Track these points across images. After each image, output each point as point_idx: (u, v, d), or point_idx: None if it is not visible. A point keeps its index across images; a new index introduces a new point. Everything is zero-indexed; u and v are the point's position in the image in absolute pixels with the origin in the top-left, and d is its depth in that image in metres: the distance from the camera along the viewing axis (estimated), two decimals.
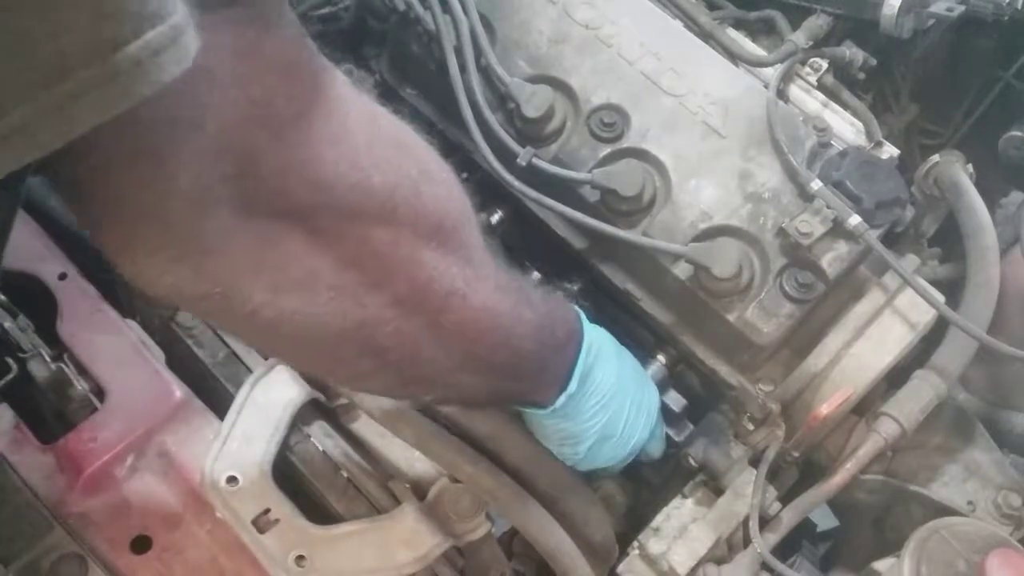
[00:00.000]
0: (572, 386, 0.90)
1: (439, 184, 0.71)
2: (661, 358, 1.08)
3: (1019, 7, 1.15)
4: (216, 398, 1.08)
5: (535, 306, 0.84)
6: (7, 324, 1.09)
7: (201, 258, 0.60)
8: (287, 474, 1.04)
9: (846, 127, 1.14)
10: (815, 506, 1.04)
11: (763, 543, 0.98)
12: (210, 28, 0.51)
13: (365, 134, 0.65)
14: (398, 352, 0.74)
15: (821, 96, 1.16)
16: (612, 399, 0.94)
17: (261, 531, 0.98)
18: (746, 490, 1.01)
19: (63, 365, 1.08)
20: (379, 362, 0.75)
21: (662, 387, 1.06)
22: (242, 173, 0.57)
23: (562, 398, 0.91)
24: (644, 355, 1.06)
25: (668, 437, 1.07)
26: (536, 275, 1.15)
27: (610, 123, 1.05)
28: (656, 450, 1.04)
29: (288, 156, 0.59)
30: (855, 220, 0.98)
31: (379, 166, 0.65)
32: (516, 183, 1.03)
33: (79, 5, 0.44)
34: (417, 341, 0.74)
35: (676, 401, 1.07)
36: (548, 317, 0.87)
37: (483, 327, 0.78)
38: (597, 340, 0.93)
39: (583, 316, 0.94)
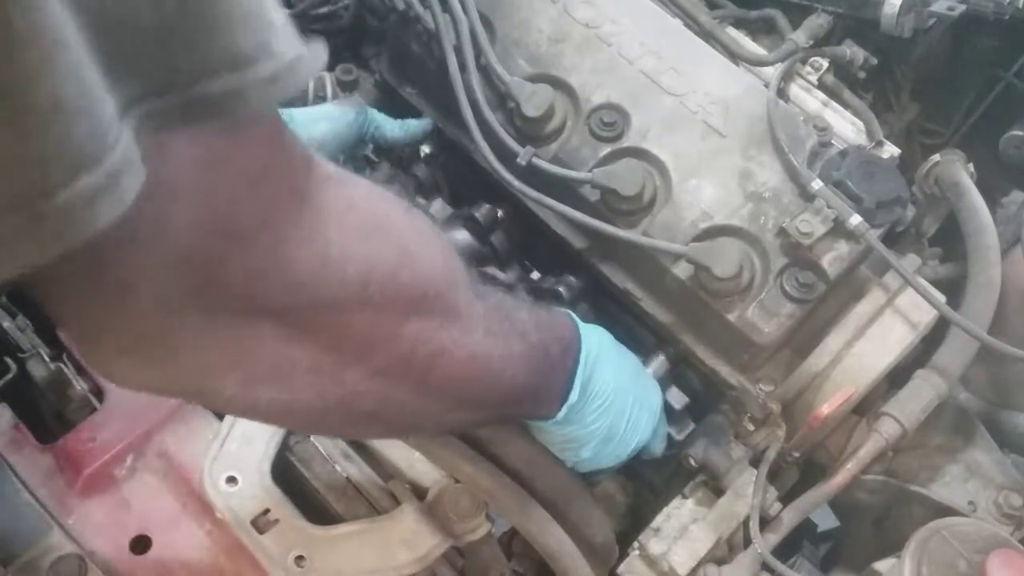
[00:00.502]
0: (573, 396, 0.90)
1: (421, 258, 0.69)
2: (662, 355, 1.07)
3: (1020, 6, 1.15)
4: None
5: (527, 335, 0.83)
6: (6, 324, 1.09)
7: (168, 360, 0.58)
8: (286, 474, 1.04)
9: (847, 126, 1.13)
10: (816, 506, 1.04)
11: (764, 543, 0.98)
12: (175, 141, 0.48)
13: (338, 227, 0.61)
14: (385, 413, 0.73)
15: (822, 95, 1.16)
16: (614, 401, 0.94)
17: (261, 531, 0.98)
18: (747, 490, 1.01)
19: (62, 365, 1.07)
20: (367, 422, 0.75)
21: (663, 384, 1.06)
22: (207, 282, 0.54)
23: (564, 409, 0.90)
24: (645, 353, 1.06)
25: (669, 436, 1.07)
26: (535, 274, 1.15)
27: (610, 122, 1.04)
28: (658, 448, 1.04)
29: (255, 263, 0.56)
30: (856, 220, 0.97)
31: (352, 257, 0.62)
32: (516, 182, 1.03)
33: (3, 153, 0.40)
34: (404, 400, 0.72)
35: (678, 398, 1.07)
36: (542, 341, 0.85)
37: (472, 375, 0.76)
38: (596, 344, 0.93)
39: (579, 322, 0.93)
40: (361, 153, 1.16)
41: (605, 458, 0.98)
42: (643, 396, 0.99)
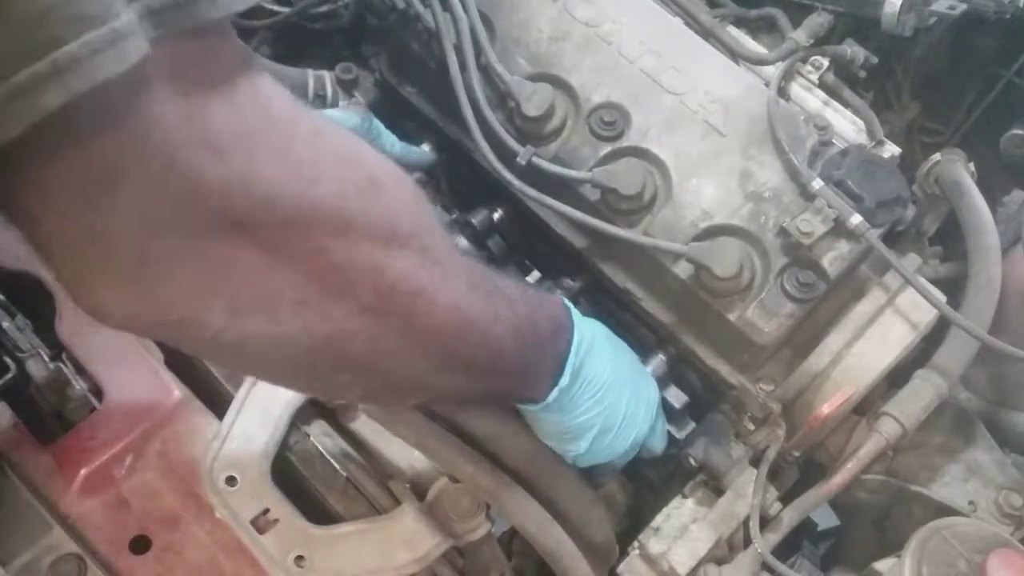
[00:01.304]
0: (564, 380, 0.90)
1: (391, 192, 0.70)
2: (661, 354, 1.07)
3: (1020, 5, 1.15)
4: (215, 398, 1.08)
5: (514, 302, 0.84)
6: (6, 324, 1.09)
7: (151, 284, 0.59)
8: (286, 474, 1.04)
9: (847, 125, 1.13)
10: (816, 506, 1.04)
11: (764, 543, 0.98)
12: (154, 45, 0.52)
13: (308, 149, 0.64)
14: (374, 361, 0.73)
15: (822, 94, 1.16)
16: (608, 392, 0.94)
17: (260, 531, 0.98)
18: (747, 490, 1.01)
19: (62, 365, 1.07)
20: (356, 372, 0.74)
21: (663, 383, 1.06)
22: (185, 193, 0.56)
23: (554, 392, 0.90)
24: (645, 353, 1.06)
25: (669, 434, 1.07)
26: (536, 274, 1.15)
27: (610, 121, 1.04)
28: (658, 445, 1.04)
29: (229, 174, 0.58)
30: (856, 219, 0.97)
31: (324, 179, 0.64)
32: (516, 182, 1.03)
33: (14, 14, 0.47)
34: (392, 348, 0.73)
35: (677, 397, 1.07)
36: (529, 312, 0.86)
37: (458, 327, 0.77)
38: (589, 334, 0.93)
39: (573, 309, 0.94)
40: None
41: (602, 453, 0.98)
42: (640, 391, 0.99)
